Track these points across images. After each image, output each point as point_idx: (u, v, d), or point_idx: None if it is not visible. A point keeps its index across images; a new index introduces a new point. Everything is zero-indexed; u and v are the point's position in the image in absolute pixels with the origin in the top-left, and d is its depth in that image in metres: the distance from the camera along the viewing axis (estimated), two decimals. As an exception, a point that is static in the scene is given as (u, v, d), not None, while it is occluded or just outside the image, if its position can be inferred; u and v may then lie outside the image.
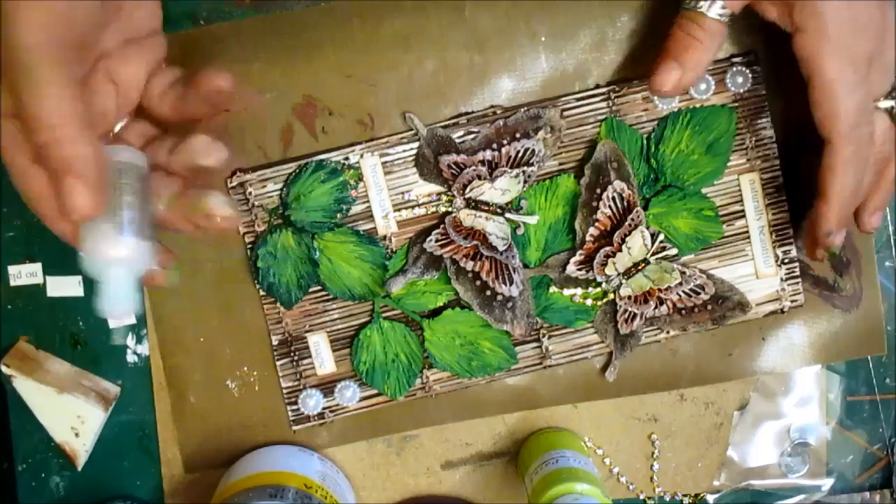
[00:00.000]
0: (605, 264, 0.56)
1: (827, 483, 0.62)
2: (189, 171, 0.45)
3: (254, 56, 0.56)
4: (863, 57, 0.47)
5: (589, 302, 0.58)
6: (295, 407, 0.59)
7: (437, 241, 0.56)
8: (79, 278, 0.58)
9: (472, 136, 0.56)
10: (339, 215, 0.57)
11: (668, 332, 0.59)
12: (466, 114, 0.57)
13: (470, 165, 0.56)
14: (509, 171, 0.55)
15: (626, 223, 0.56)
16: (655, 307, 0.57)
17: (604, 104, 0.57)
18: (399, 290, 0.57)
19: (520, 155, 0.56)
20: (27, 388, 0.58)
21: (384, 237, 0.58)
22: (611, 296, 0.58)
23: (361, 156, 0.57)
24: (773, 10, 0.48)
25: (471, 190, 0.56)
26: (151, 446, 0.60)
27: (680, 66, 0.49)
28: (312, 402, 0.59)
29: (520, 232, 0.57)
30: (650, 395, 0.60)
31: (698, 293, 0.57)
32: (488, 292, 0.56)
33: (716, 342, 0.59)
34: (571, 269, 0.57)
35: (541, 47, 0.56)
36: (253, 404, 0.59)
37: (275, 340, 0.59)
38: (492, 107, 0.57)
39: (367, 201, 0.57)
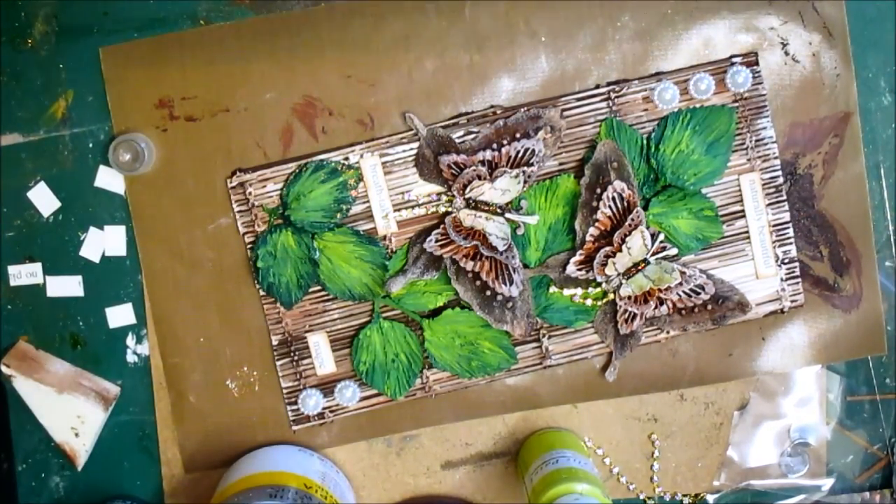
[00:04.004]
0: (605, 264, 0.56)
1: (827, 483, 0.62)
2: None
3: (254, 56, 0.56)
4: None
5: (589, 302, 0.58)
6: (295, 407, 0.59)
7: (437, 241, 0.56)
8: (79, 278, 0.58)
9: (472, 136, 0.56)
10: (339, 215, 0.57)
11: (668, 332, 0.59)
12: (466, 114, 0.57)
13: (470, 165, 0.56)
14: (509, 171, 0.55)
15: (626, 223, 0.56)
16: (655, 307, 0.57)
17: (604, 104, 0.57)
18: (399, 290, 0.57)
19: (520, 155, 0.56)
20: (27, 388, 0.58)
21: (384, 237, 0.58)
22: (611, 296, 0.58)
23: (361, 156, 0.57)
24: None
25: (471, 190, 0.56)
26: (151, 446, 0.60)
27: None
28: (312, 402, 0.59)
29: (520, 232, 0.57)
30: (650, 395, 0.60)
31: (698, 293, 0.57)
32: (488, 292, 0.56)
33: (716, 342, 0.59)
34: (571, 269, 0.57)
35: (541, 47, 0.56)
36: (253, 404, 0.59)
37: (275, 340, 0.59)
38: (492, 107, 0.57)
39: (367, 201, 0.57)
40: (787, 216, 0.58)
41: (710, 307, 0.58)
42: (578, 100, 0.57)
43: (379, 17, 0.56)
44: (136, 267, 0.58)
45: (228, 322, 0.58)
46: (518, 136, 0.56)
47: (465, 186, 0.56)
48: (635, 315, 0.57)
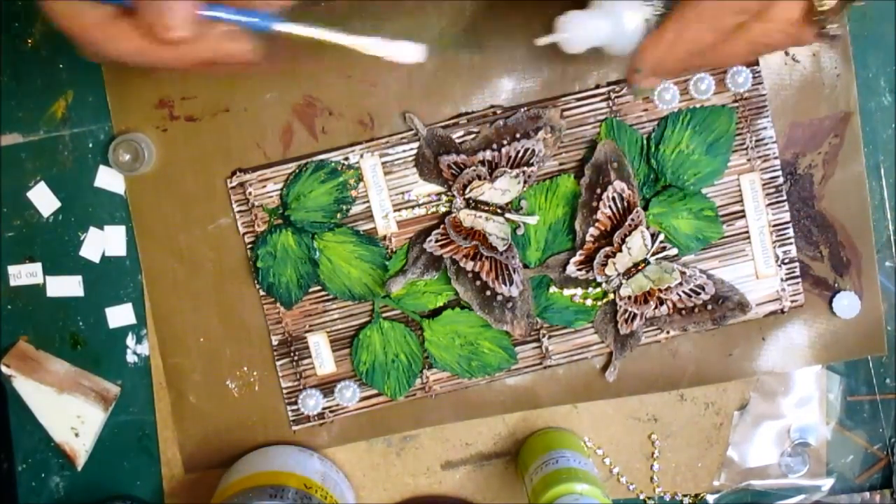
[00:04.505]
0: (605, 264, 0.56)
1: (827, 483, 0.62)
2: None
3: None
4: None
5: (589, 302, 0.58)
6: (295, 407, 0.59)
7: (437, 241, 0.56)
8: (79, 278, 0.58)
9: (472, 136, 0.56)
10: (339, 215, 0.57)
11: (668, 333, 0.59)
12: (466, 114, 0.57)
13: (470, 165, 0.56)
14: (509, 171, 0.55)
15: (626, 223, 0.56)
16: (655, 307, 0.57)
17: (604, 104, 0.57)
18: (399, 290, 0.57)
19: (520, 155, 0.56)
20: (27, 388, 0.58)
21: (384, 237, 0.58)
22: (611, 296, 0.58)
23: (361, 156, 0.57)
24: None
25: (471, 190, 0.56)
26: (151, 446, 0.60)
27: None
28: (312, 402, 0.59)
29: (520, 232, 0.57)
30: (650, 395, 0.60)
31: (698, 293, 0.57)
32: (488, 292, 0.56)
33: (716, 342, 0.59)
34: (571, 269, 0.57)
35: (541, 47, 0.56)
36: (253, 404, 0.59)
37: (275, 340, 0.59)
38: (492, 107, 0.57)
39: (367, 201, 0.57)
40: (787, 216, 0.58)
41: (710, 307, 0.58)
42: (578, 100, 0.57)
43: (379, 17, 0.56)
44: (136, 267, 0.58)
45: (228, 322, 0.58)
46: (518, 136, 0.56)
47: (465, 186, 0.56)
48: (635, 315, 0.57)
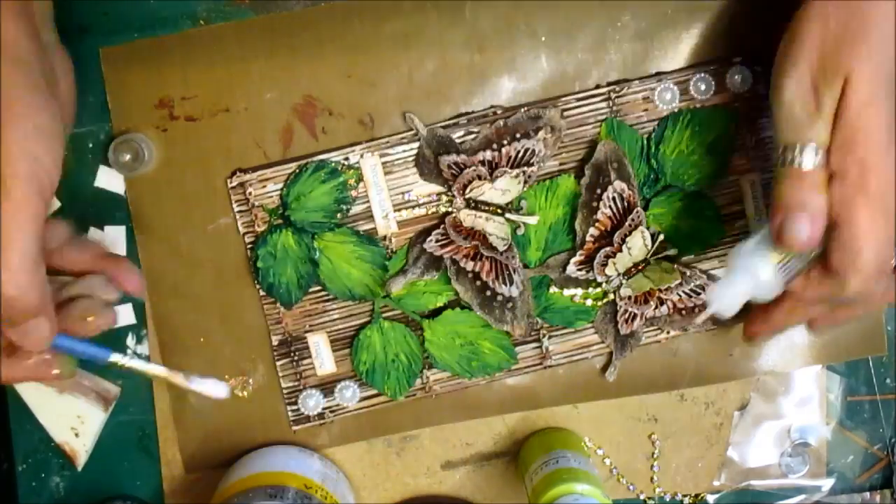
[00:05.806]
0: (605, 264, 0.56)
1: (827, 483, 0.62)
2: None
3: (254, 56, 0.56)
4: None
5: (589, 302, 0.58)
6: (295, 407, 0.59)
7: (437, 241, 0.56)
8: (79, 278, 0.58)
9: (472, 136, 0.56)
10: (339, 215, 0.57)
11: (668, 333, 0.59)
12: (466, 114, 0.57)
13: (470, 165, 0.56)
14: (509, 171, 0.55)
15: (627, 223, 0.56)
16: (656, 307, 0.57)
17: (604, 104, 0.57)
18: (399, 290, 0.57)
19: (520, 155, 0.56)
20: (27, 388, 0.58)
21: (384, 237, 0.57)
22: (611, 296, 0.58)
23: (361, 156, 0.57)
24: None
25: (471, 190, 0.56)
26: (151, 446, 0.60)
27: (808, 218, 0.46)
28: (312, 402, 0.59)
29: (520, 232, 0.57)
30: (650, 395, 0.60)
31: (699, 293, 0.57)
32: (488, 292, 0.56)
33: (716, 342, 0.59)
34: (571, 269, 0.57)
35: (541, 47, 0.56)
36: (253, 404, 0.59)
37: (275, 340, 0.59)
38: (492, 107, 0.57)
39: (367, 201, 0.57)
40: (787, 216, 0.58)
41: (710, 307, 0.58)
42: (578, 100, 0.57)
43: (379, 17, 0.56)
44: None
45: (228, 322, 0.58)
46: (518, 136, 0.56)
47: (465, 186, 0.56)
48: (635, 315, 0.57)
